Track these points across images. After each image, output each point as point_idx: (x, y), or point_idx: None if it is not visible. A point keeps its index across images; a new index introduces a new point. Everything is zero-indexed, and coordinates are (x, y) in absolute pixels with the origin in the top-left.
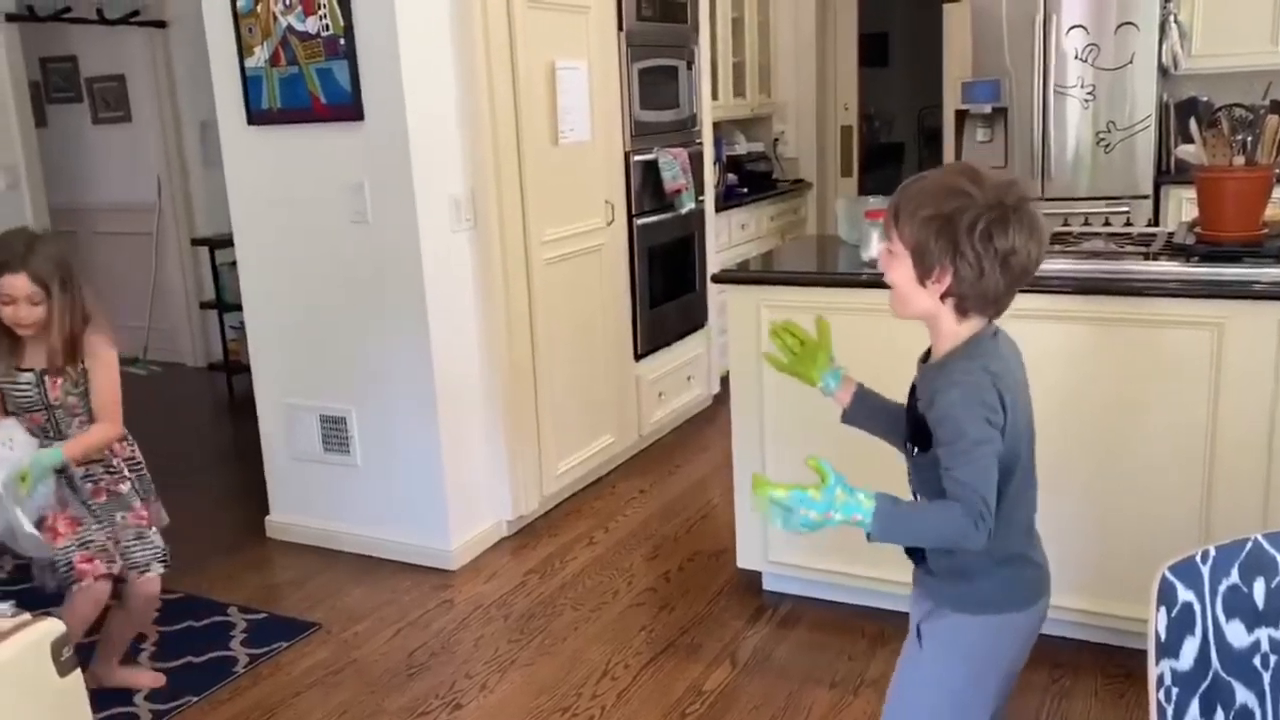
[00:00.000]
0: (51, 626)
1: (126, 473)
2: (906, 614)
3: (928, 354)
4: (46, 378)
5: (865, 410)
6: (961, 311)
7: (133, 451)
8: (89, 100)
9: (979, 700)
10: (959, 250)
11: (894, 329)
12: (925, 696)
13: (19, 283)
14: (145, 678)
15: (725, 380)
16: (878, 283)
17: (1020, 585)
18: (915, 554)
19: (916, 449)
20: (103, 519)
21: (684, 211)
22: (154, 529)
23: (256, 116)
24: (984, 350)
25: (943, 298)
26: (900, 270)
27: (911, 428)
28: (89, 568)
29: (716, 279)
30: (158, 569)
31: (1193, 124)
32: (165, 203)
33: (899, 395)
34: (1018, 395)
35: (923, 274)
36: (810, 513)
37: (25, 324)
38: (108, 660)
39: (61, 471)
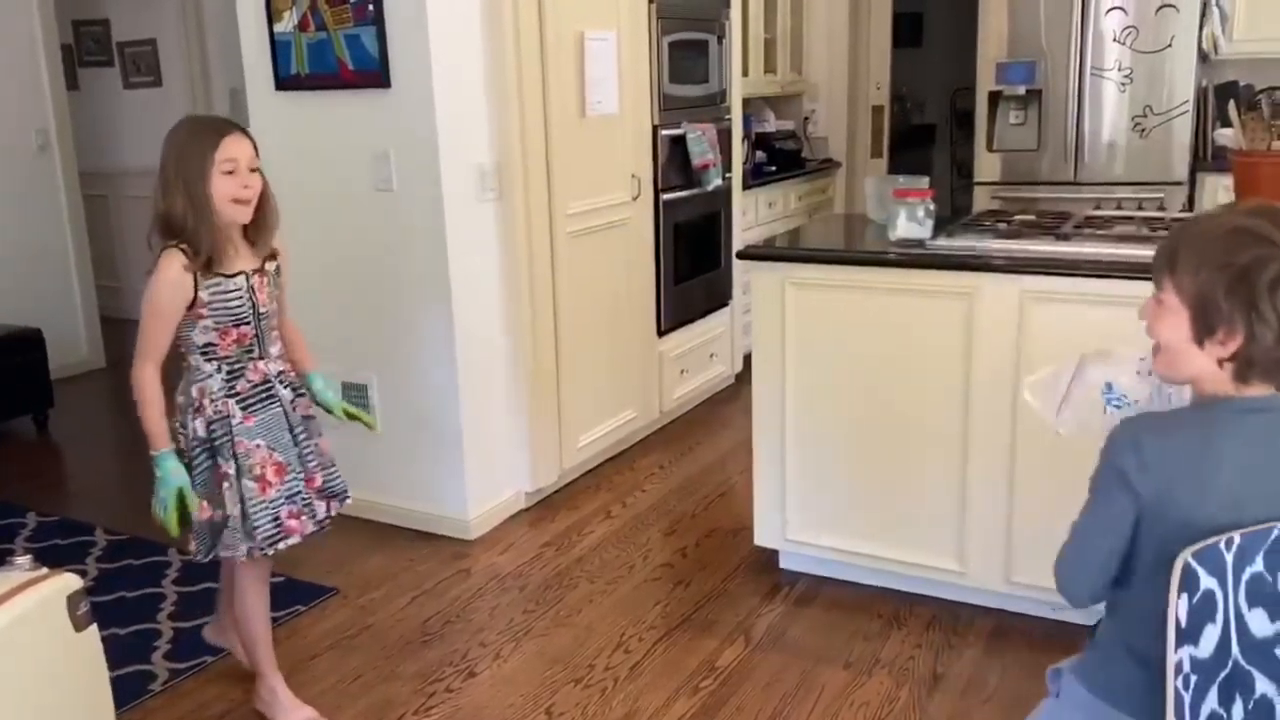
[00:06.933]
0: (67, 581)
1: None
2: (921, 595)
3: None
4: (254, 281)
5: None
6: (1242, 379)
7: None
8: (120, 64)
9: None
10: (1256, 310)
11: (919, 309)
12: None
13: (244, 145)
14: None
15: (748, 360)
16: (904, 262)
17: (1120, 682)
18: None
19: None
20: (305, 446)
21: (711, 188)
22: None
23: (284, 82)
24: (1216, 422)
25: (1221, 361)
26: (1173, 327)
27: None
28: (297, 525)
29: (742, 255)
30: (347, 500)
31: (1231, 106)
32: None
33: (920, 376)
34: (1199, 495)
35: (1202, 333)
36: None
37: (248, 199)
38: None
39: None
